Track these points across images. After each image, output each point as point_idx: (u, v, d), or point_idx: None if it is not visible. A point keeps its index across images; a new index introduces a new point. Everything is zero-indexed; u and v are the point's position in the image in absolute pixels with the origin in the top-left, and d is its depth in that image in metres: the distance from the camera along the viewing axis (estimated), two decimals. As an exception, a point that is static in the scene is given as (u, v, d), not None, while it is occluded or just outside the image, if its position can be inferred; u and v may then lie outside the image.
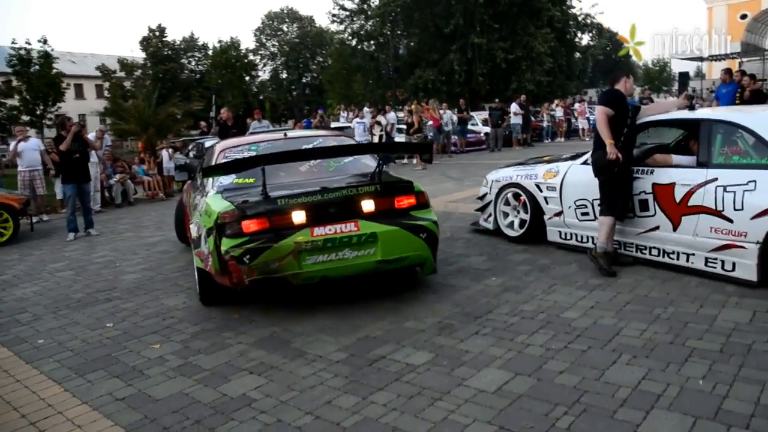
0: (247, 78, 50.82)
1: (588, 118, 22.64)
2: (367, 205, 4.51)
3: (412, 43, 35.78)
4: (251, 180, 4.98)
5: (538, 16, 32.32)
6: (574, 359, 3.53)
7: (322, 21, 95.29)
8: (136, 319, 5.04)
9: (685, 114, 5.38)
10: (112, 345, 4.46)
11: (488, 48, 31.98)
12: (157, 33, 49.20)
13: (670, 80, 39.72)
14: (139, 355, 4.21)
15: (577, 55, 37.62)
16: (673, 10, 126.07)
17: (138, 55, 49.13)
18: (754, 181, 4.43)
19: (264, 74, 60.22)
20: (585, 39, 38.87)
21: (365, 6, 36.20)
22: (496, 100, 23.69)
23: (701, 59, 36.46)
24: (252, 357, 3.98)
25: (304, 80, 62.08)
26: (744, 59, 27.41)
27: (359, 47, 37.23)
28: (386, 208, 4.59)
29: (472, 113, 23.97)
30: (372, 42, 36.41)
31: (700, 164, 4.87)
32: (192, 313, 5.03)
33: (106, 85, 45.95)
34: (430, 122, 18.07)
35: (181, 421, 3.20)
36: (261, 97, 52.13)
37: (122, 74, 45.22)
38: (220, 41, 48.03)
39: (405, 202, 4.70)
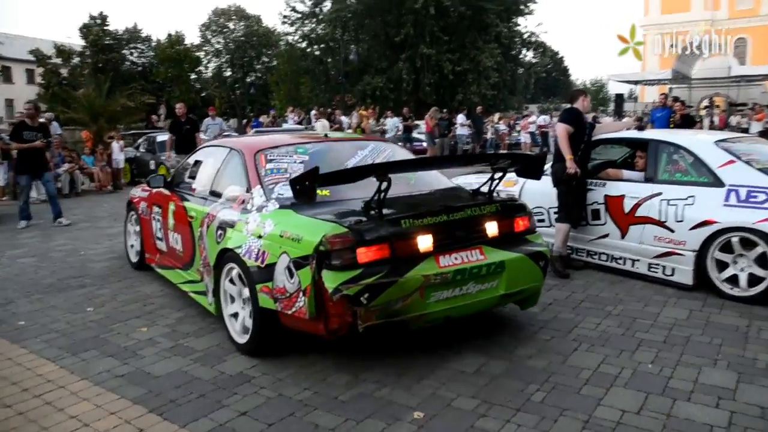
0: (192, 75, 50.03)
1: (531, 133, 23.62)
2: (491, 228, 3.85)
3: (360, 50, 36.18)
4: (325, 192, 3.96)
5: (486, 31, 33.39)
6: (540, 346, 3.97)
7: (270, 21, 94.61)
8: (115, 304, 5.17)
9: (635, 134, 5.97)
10: (97, 327, 4.60)
11: (436, 59, 32.74)
12: (99, 21, 47.74)
13: (607, 101, 42.07)
14: (128, 337, 4.37)
15: (521, 70, 39.01)
16: (612, 33, 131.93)
17: (75, 42, 47.50)
18: (693, 196, 5.03)
19: (207, 71, 59.29)
20: (529, 56, 40.39)
21: (317, 10, 36.39)
22: (444, 110, 24.35)
23: (636, 83, 38.57)
24: (241, 340, 4.23)
25: (248, 79, 61.51)
26: (674, 86, 29.20)
27: (309, 50, 37.36)
28: (507, 232, 3.94)
29: (417, 122, 24.55)
30: (322, 46, 36.61)
31: (647, 179, 5.45)
32: (172, 300, 5.19)
33: (39, 70, 44.16)
34: (381, 126, 18.49)
35: (186, 395, 3.43)
36: (203, 94, 51.39)
37: (58, 60, 43.58)
38: (169, 35, 46.97)
39: (521, 224, 4.06)
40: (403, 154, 5.01)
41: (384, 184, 3.47)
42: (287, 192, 3.96)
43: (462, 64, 32.95)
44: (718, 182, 4.96)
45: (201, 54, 55.81)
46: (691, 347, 3.92)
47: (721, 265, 4.90)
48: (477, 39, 33.30)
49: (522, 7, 35.36)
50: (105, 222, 9.54)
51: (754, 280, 4.73)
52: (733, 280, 4.84)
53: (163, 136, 15.19)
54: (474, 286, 3.69)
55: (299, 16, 37.14)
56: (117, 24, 76.64)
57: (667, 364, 3.66)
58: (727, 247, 4.84)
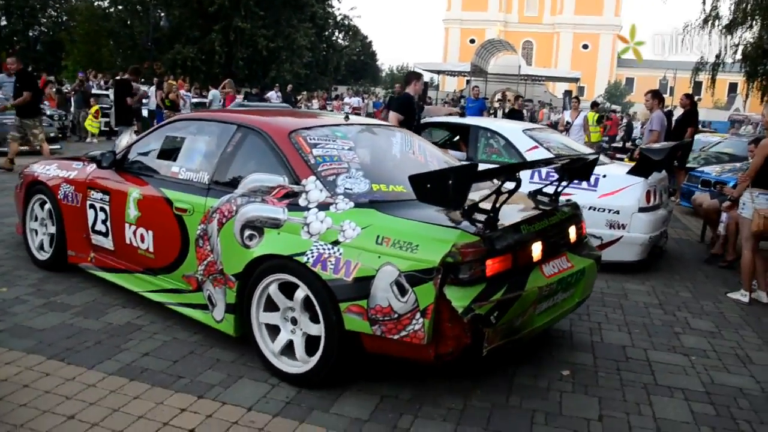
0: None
1: (346, 114, 24.74)
2: (572, 233, 3.72)
3: (171, 16, 34.53)
4: (399, 188, 3.36)
5: (302, 11, 33.92)
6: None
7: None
8: (-45, 270, 4.92)
9: (459, 120, 7.02)
10: (-54, 291, 4.40)
11: (251, 33, 32.50)
12: None
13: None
14: (-13, 299, 4.27)
15: (332, 52, 40.17)
16: (416, 26, 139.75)
17: None
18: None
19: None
20: (340, 38, 41.65)
21: (122, -33, 33.98)
22: (258, 86, 24.43)
23: (438, 72, 41.80)
24: (116, 296, 4.36)
25: (31, 33, 55.05)
26: (472, 78, 32.35)
27: (112, 10, 34.75)
28: (579, 236, 3.84)
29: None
30: (128, 7, 34.27)
31: (468, 159, 6.47)
32: (27, 263, 5.04)
33: None
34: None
35: (81, 342, 3.61)
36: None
37: None
38: None
39: (584, 228, 3.95)
40: (421, 141, 4.52)
41: (508, 185, 3.07)
42: (357, 186, 3.34)
43: (276, 41, 33.12)
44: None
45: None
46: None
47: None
48: (292, 17, 33.70)
49: (337, -11, 36.42)
50: None
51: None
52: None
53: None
54: (561, 295, 3.47)
55: (101, -29, 34.37)
56: None
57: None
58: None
